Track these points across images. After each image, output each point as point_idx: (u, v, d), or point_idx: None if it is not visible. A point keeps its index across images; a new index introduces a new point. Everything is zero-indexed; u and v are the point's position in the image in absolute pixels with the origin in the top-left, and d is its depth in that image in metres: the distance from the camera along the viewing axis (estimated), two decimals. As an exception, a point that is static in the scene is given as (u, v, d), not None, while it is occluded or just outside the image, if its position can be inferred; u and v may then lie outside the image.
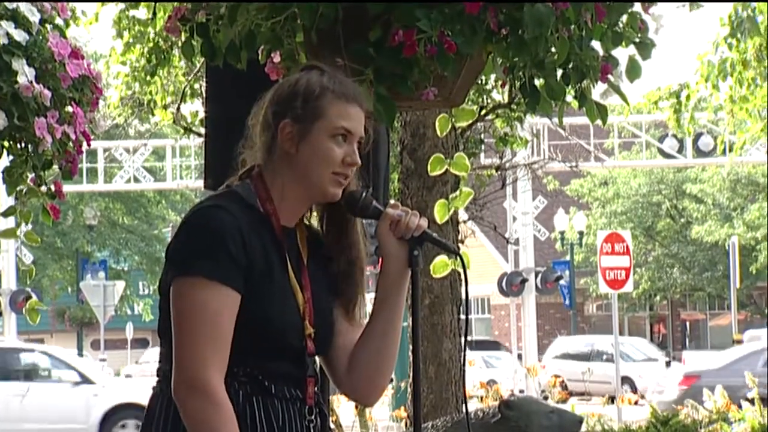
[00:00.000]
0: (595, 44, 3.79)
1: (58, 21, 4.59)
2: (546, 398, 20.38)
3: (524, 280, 29.21)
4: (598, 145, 27.05)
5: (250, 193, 2.91)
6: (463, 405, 9.22)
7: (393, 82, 3.48)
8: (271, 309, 2.85)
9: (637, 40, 3.84)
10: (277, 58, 3.83)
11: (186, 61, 12.65)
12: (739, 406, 12.22)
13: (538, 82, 3.75)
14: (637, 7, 3.84)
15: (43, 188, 4.66)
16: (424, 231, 2.96)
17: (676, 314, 46.81)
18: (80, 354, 33.17)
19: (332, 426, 3.02)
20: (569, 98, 3.94)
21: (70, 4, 4.92)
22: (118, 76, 13.07)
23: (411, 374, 9.67)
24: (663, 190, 41.26)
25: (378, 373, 3.02)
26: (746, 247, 36.85)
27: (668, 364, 32.72)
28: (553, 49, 3.66)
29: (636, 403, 22.27)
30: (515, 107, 11.24)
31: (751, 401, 12.64)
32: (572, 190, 40.23)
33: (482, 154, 15.92)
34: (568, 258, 36.47)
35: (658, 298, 43.99)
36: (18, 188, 4.62)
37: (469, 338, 3.15)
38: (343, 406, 14.49)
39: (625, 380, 29.80)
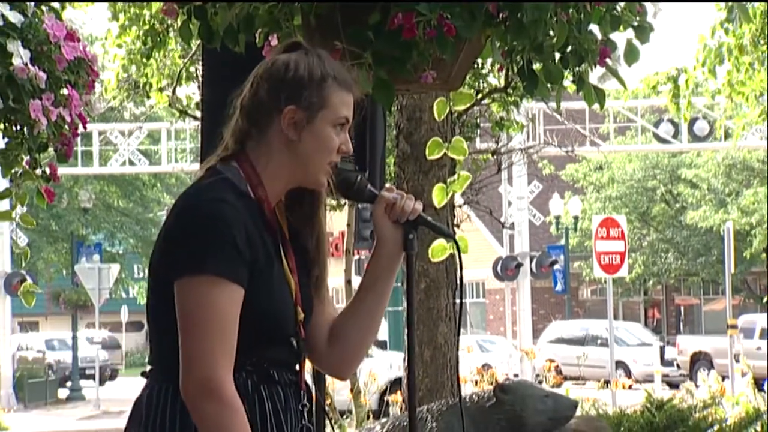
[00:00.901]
0: (594, 28, 3.78)
1: (54, 3, 4.58)
2: (540, 382, 20.38)
3: (519, 265, 29.25)
4: (593, 129, 27.06)
5: (240, 178, 2.88)
6: (458, 389, 9.23)
7: (392, 65, 3.47)
8: (272, 300, 2.84)
9: (636, 23, 3.83)
10: (274, 41, 3.81)
11: (181, 44, 12.63)
12: None
13: (537, 65, 3.74)
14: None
15: (38, 171, 4.64)
16: (420, 215, 2.96)
17: (671, 299, 46.85)
18: (75, 337, 33.14)
19: (327, 409, 3.01)
20: (566, 82, 3.93)
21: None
22: (114, 59, 13.04)
23: (406, 358, 9.67)
24: (658, 175, 41.25)
25: (358, 351, 3.03)
26: (741, 232, 36.85)
27: (662, 348, 32.78)
28: (551, 33, 3.65)
29: (630, 387, 22.31)
30: (511, 91, 11.22)
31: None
32: (567, 174, 40.22)
33: (478, 139, 15.93)
34: (563, 242, 36.49)
35: (652, 282, 44.01)
36: (13, 171, 4.60)
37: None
38: (337, 389, 14.50)
39: (620, 365, 29.87)
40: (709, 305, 45.33)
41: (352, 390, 13.60)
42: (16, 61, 4.21)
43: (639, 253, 41.46)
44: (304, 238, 2.99)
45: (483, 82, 11.97)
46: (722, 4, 10.97)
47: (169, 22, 11.80)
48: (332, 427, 3.14)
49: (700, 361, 31.17)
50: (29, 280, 6.38)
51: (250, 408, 2.81)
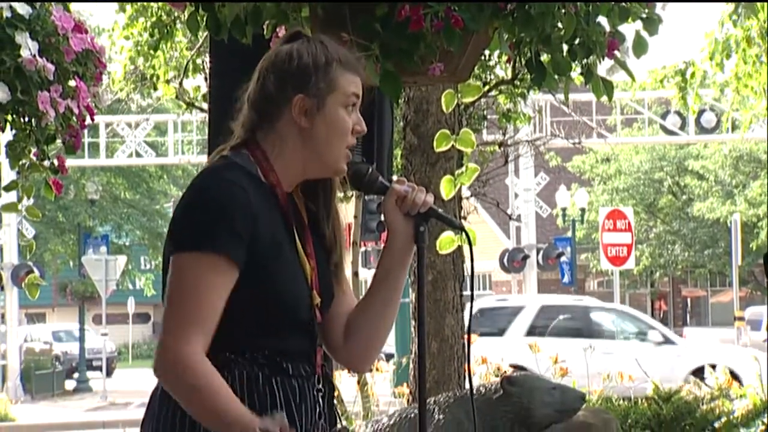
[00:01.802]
0: (602, 19, 3.77)
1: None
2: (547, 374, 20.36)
3: (526, 257, 29.22)
4: (600, 121, 27.02)
5: (250, 163, 2.89)
6: (466, 381, 9.23)
7: (399, 57, 3.46)
8: (282, 285, 2.84)
9: (644, 15, 3.82)
10: (282, 33, 3.81)
11: (189, 36, 12.62)
12: None
13: (544, 57, 3.74)
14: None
15: (46, 163, 4.64)
16: (431, 207, 2.95)
17: (678, 291, 46.84)
18: (82, 329, 33.18)
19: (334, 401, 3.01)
20: (574, 74, 3.92)
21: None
22: (122, 51, 13.05)
23: (415, 350, 9.67)
24: (665, 167, 41.22)
25: (373, 344, 3.03)
26: (747, 224, 36.83)
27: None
28: (559, 25, 3.64)
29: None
30: (518, 83, 11.21)
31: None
32: (574, 166, 40.19)
33: (485, 131, 15.91)
34: (569, 234, 36.45)
35: (659, 274, 44.01)
36: (21, 162, 4.60)
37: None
38: (344, 382, 14.50)
39: (626, 357, 29.81)
40: (716, 297, 45.32)
41: (358, 382, 13.60)
42: (25, 53, 4.21)
43: (646, 244, 41.45)
44: (321, 224, 2.99)
45: (490, 74, 11.96)
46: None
47: (176, 13, 11.80)
48: (340, 419, 3.13)
49: (707, 353, 31.15)
50: (36, 272, 6.38)
51: (261, 401, 2.81)
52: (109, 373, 30.69)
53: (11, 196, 5.00)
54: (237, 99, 2.96)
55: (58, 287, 38.62)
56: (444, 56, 3.56)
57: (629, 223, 18.80)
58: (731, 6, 10.93)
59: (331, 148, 2.90)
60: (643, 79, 14.14)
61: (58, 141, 4.56)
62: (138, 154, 28.37)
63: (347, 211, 16.07)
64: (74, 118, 4.46)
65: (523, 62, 3.74)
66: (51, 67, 4.27)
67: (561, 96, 4.32)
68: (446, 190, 4.37)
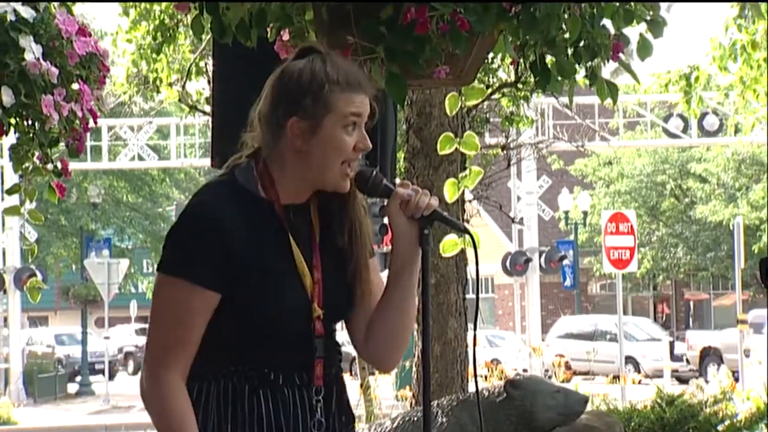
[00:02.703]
0: (607, 22, 3.77)
1: (67, 0, 4.57)
2: (550, 378, 20.38)
3: (528, 260, 29.21)
4: (603, 124, 27.01)
5: (252, 177, 2.90)
6: (469, 384, 9.22)
7: (404, 60, 3.46)
8: (269, 299, 2.84)
9: (649, 18, 3.82)
10: (286, 36, 3.80)
11: (192, 39, 12.62)
12: None
13: (549, 60, 3.73)
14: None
15: (49, 166, 4.64)
16: (435, 210, 2.95)
17: (680, 294, 46.79)
18: (84, 332, 33.18)
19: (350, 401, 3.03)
20: (578, 77, 3.91)
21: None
22: (124, 54, 13.05)
23: (418, 353, 9.66)
24: (667, 170, 41.17)
25: (394, 345, 3.05)
26: (750, 227, 36.78)
27: (672, 344, 32.75)
28: (564, 27, 3.64)
29: (639, 382, 22.30)
30: (521, 86, 11.20)
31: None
32: (577, 169, 40.16)
33: (487, 134, 15.90)
34: (572, 238, 36.44)
35: (661, 277, 43.94)
36: (24, 165, 4.60)
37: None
38: (347, 385, 14.50)
39: (629, 360, 29.84)
40: (718, 300, 45.26)
41: (361, 385, 13.60)
42: (28, 57, 4.21)
43: (648, 248, 41.40)
44: (337, 235, 2.98)
45: (493, 77, 11.95)
46: (734, 2, 10.93)
47: (180, 16, 11.80)
48: (354, 420, 3.14)
49: (709, 356, 31.14)
50: (38, 276, 6.38)
51: (246, 412, 2.84)
52: (111, 377, 30.69)
53: (14, 199, 5.00)
54: (244, 106, 2.97)
55: (61, 290, 38.61)
56: (449, 59, 3.56)
57: (632, 226, 18.75)
58: (736, 9, 10.90)
59: (329, 168, 2.90)
60: (647, 83, 14.12)
61: (62, 144, 4.57)
62: (140, 158, 28.37)
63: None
64: (77, 121, 4.47)
65: (528, 65, 3.73)
66: (54, 70, 4.27)
67: (564, 99, 4.31)
68: (449, 193, 4.37)
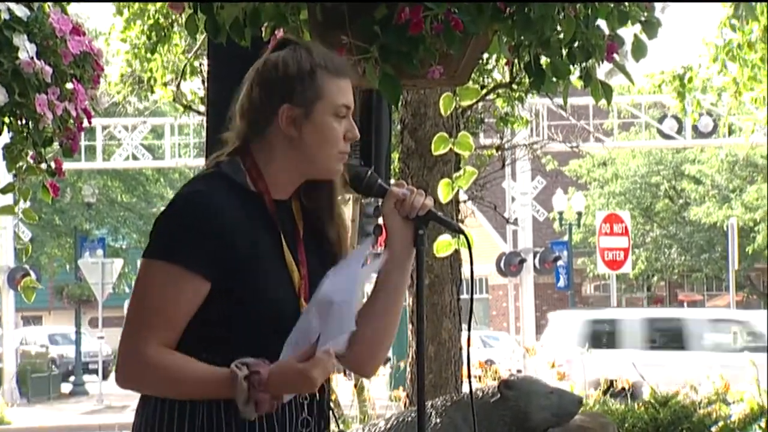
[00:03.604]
0: (601, 23, 3.77)
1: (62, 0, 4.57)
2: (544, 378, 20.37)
3: (522, 261, 29.22)
4: (597, 125, 27.03)
5: (239, 171, 2.89)
6: (463, 385, 9.22)
7: (399, 60, 3.45)
8: (262, 292, 2.82)
9: (643, 19, 3.82)
10: (281, 36, 3.80)
11: (186, 39, 12.62)
12: None
13: (543, 60, 3.73)
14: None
15: (43, 165, 4.63)
16: (430, 210, 2.94)
17: (674, 295, 46.83)
18: (78, 332, 33.15)
19: (331, 404, 3.00)
20: (573, 78, 3.91)
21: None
22: (118, 54, 13.05)
23: (412, 354, 9.64)
24: (662, 171, 41.21)
25: (378, 349, 3.02)
26: (744, 228, 36.82)
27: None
28: (558, 28, 3.64)
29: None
30: (516, 87, 11.21)
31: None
32: (571, 170, 40.19)
33: (482, 134, 15.91)
34: (566, 238, 36.44)
35: (655, 278, 43.99)
36: (18, 165, 4.60)
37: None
38: (341, 386, 14.49)
39: (623, 361, 29.81)
40: (712, 301, 45.27)
41: (355, 386, 13.59)
42: (22, 55, 4.21)
43: (642, 249, 41.45)
44: (326, 230, 2.98)
45: (488, 78, 11.95)
46: (728, 2, 10.92)
47: (174, 16, 11.79)
48: (337, 423, 3.12)
49: (703, 357, 31.13)
50: (32, 275, 6.37)
51: (237, 407, 2.80)
52: (105, 377, 30.64)
53: (8, 199, 5.00)
54: (230, 106, 2.95)
55: (55, 290, 38.55)
56: (443, 59, 3.55)
57: (626, 227, 18.81)
58: (730, 10, 10.90)
59: (322, 155, 2.90)
60: (641, 84, 14.12)
61: (56, 144, 4.56)
62: (135, 158, 28.36)
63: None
64: (71, 120, 4.46)
65: (522, 65, 3.73)
66: (48, 69, 4.27)
67: (558, 100, 4.31)
68: (444, 193, 4.37)
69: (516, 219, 28.42)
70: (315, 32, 3.63)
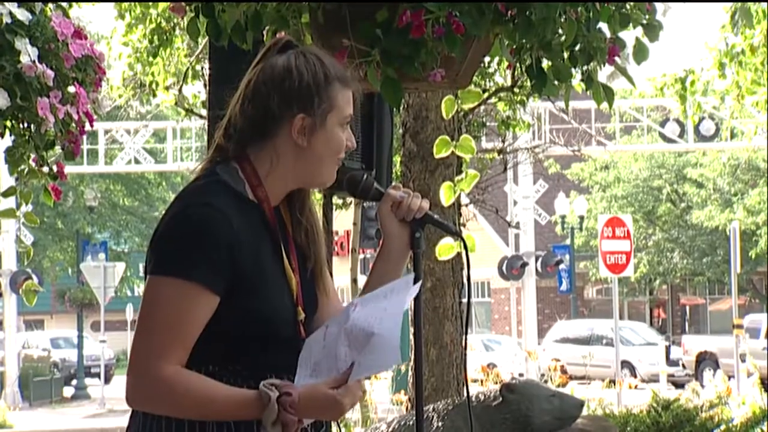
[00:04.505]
0: (603, 26, 3.77)
1: (62, 2, 4.57)
2: (546, 382, 20.39)
3: (524, 264, 29.20)
4: (599, 129, 27.03)
5: (238, 179, 2.85)
6: (464, 388, 9.21)
7: (400, 63, 3.45)
8: (267, 305, 2.81)
9: (645, 21, 3.82)
10: (283, 38, 3.80)
11: (188, 43, 12.62)
12: None
13: (545, 64, 3.73)
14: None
15: (45, 169, 4.63)
16: (426, 213, 2.93)
17: (676, 299, 46.80)
18: (81, 336, 33.14)
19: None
20: (575, 81, 3.91)
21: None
22: (120, 57, 13.05)
23: (413, 357, 9.69)
24: (664, 175, 41.21)
25: None
26: (746, 232, 36.79)
27: (668, 348, 32.76)
28: (560, 31, 3.64)
29: (635, 387, 22.29)
30: (518, 90, 11.22)
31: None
32: (573, 174, 40.19)
33: (484, 138, 15.92)
34: (568, 242, 36.46)
35: (658, 282, 43.96)
36: (20, 168, 4.59)
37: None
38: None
39: (625, 364, 29.85)
40: (714, 305, 45.28)
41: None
42: (24, 59, 4.20)
43: (644, 252, 41.43)
44: (296, 232, 2.95)
45: (489, 81, 11.96)
46: (728, 5, 10.92)
47: (176, 20, 11.80)
48: (338, 427, 3.12)
49: (705, 361, 31.14)
50: (34, 279, 6.38)
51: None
52: (107, 380, 30.65)
53: (10, 202, 4.99)
54: (228, 108, 2.92)
55: (57, 294, 38.61)
56: (445, 62, 3.55)
57: (628, 230, 18.77)
58: (729, 15, 10.89)
59: (324, 166, 2.88)
60: (643, 88, 14.12)
61: (57, 147, 4.56)
62: (137, 161, 28.36)
63: (346, 218, 16.06)
64: (73, 124, 4.46)
65: (524, 69, 3.73)
66: (50, 73, 4.27)
67: (560, 103, 4.32)
68: (446, 196, 4.36)
69: (518, 222, 28.41)
70: (316, 35, 3.63)
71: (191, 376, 2.73)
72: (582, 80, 3.82)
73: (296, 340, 2.84)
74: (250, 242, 2.80)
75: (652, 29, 3.81)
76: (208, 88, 7.42)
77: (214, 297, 2.75)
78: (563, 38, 3.64)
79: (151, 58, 12.54)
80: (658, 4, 3.84)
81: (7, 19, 4.22)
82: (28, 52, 4.21)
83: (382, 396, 16.46)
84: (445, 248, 4.36)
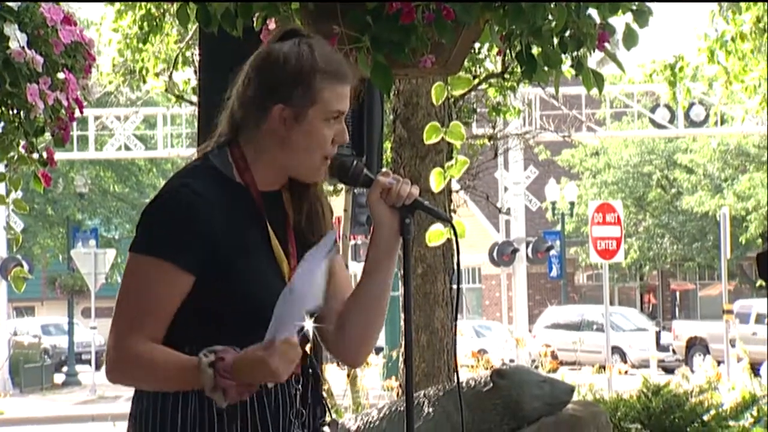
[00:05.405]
0: (592, 12, 3.77)
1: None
2: (537, 368, 20.42)
3: (515, 250, 29.26)
4: (589, 115, 27.05)
5: (227, 163, 2.88)
6: (455, 374, 9.22)
7: (390, 49, 3.45)
8: (248, 285, 2.82)
9: (635, 7, 3.82)
10: (272, 25, 3.80)
11: (178, 29, 12.60)
12: None
13: (535, 50, 3.73)
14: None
15: (35, 155, 4.63)
16: (416, 199, 2.93)
17: (667, 284, 46.89)
18: (71, 322, 33.12)
19: (324, 394, 2.97)
20: (564, 67, 3.91)
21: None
22: (110, 43, 13.02)
23: (403, 343, 9.69)
24: (654, 161, 41.25)
25: (366, 339, 3.00)
26: (736, 217, 36.85)
27: (658, 334, 32.84)
28: (550, 17, 3.64)
29: (626, 372, 22.34)
30: (508, 76, 11.21)
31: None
32: (563, 160, 40.21)
33: (474, 124, 15.92)
34: (559, 228, 36.49)
35: (648, 268, 44.05)
36: (9, 155, 4.59)
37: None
38: (334, 375, 14.51)
39: (615, 350, 29.90)
40: (704, 290, 45.38)
41: (348, 375, 13.61)
42: (13, 45, 4.20)
43: (635, 238, 41.49)
44: (296, 218, 2.96)
45: (480, 67, 11.95)
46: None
47: (166, 6, 11.78)
48: (329, 412, 3.12)
49: (695, 346, 31.23)
50: (25, 266, 6.37)
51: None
52: (98, 367, 30.63)
53: (-1, 189, 4.98)
54: (227, 91, 2.93)
55: (47, 281, 38.53)
56: (435, 48, 3.55)
57: (618, 216, 18.78)
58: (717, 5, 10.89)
59: (307, 158, 2.88)
60: (632, 73, 14.14)
61: (47, 133, 4.55)
62: (127, 148, 28.31)
63: (337, 204, 16.05)
64: (63, 110, 4.45)
65: (514, 55, 3.73)
66: (40, 59, 4.26)
67: (550, 89, 4.32)
68: (436, 182, 4.37)
69: (509, 209, 28.46)
70: (307, 21, 3.62)
71: (155, 349, 2.78)
72: (572, 66, 3.82)
73: None
74: (234, 225, 2.82)
75: (642, 15, 3.82)
76: (198, 74, 7.41)
77: (184, 274, 2.79)
78: (553, 24, 3.65)
79: (141, 45, 12.52)
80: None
81: (-4, 6, 4.21)
82: (17, 38, 4.20)
83: (374, 382, 16.47)
84: (435, 234, 4.36)
